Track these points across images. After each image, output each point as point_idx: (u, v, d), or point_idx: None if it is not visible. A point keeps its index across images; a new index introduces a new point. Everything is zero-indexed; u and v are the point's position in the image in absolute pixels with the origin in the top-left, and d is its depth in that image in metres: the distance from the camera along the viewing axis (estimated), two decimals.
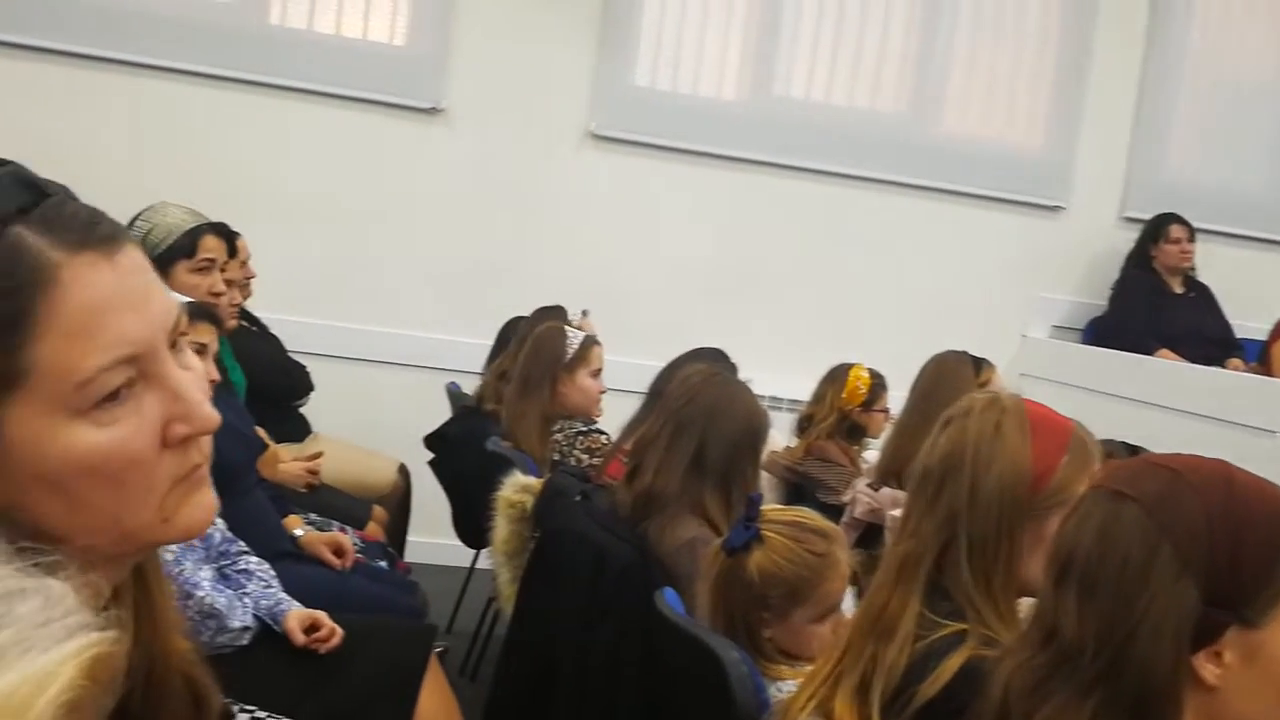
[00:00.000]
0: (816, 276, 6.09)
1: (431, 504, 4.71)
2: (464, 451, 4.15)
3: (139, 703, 0.99)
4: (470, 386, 4.80)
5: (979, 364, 3.88)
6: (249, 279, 4.26)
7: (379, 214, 5.60)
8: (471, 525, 4.20)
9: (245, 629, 2.62)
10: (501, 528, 3.39)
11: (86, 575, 0.89)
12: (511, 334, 4.60)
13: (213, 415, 0.94)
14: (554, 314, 4.41)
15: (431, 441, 4.46)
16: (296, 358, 4.80)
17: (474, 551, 4.57)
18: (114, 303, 0.87)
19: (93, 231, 0.88)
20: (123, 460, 0.89)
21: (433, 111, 5.61)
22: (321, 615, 2.67)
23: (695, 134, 5.86)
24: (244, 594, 2.72)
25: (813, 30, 6.04)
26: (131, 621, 0.99)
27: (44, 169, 0.94)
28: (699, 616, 2.37)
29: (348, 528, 3.76)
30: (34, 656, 0.53)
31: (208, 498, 0.97)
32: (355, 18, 5.55)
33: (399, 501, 4.66)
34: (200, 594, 2.55)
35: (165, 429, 0.91)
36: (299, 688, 2.53)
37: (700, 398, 2.78)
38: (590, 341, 3.95)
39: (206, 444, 0.96)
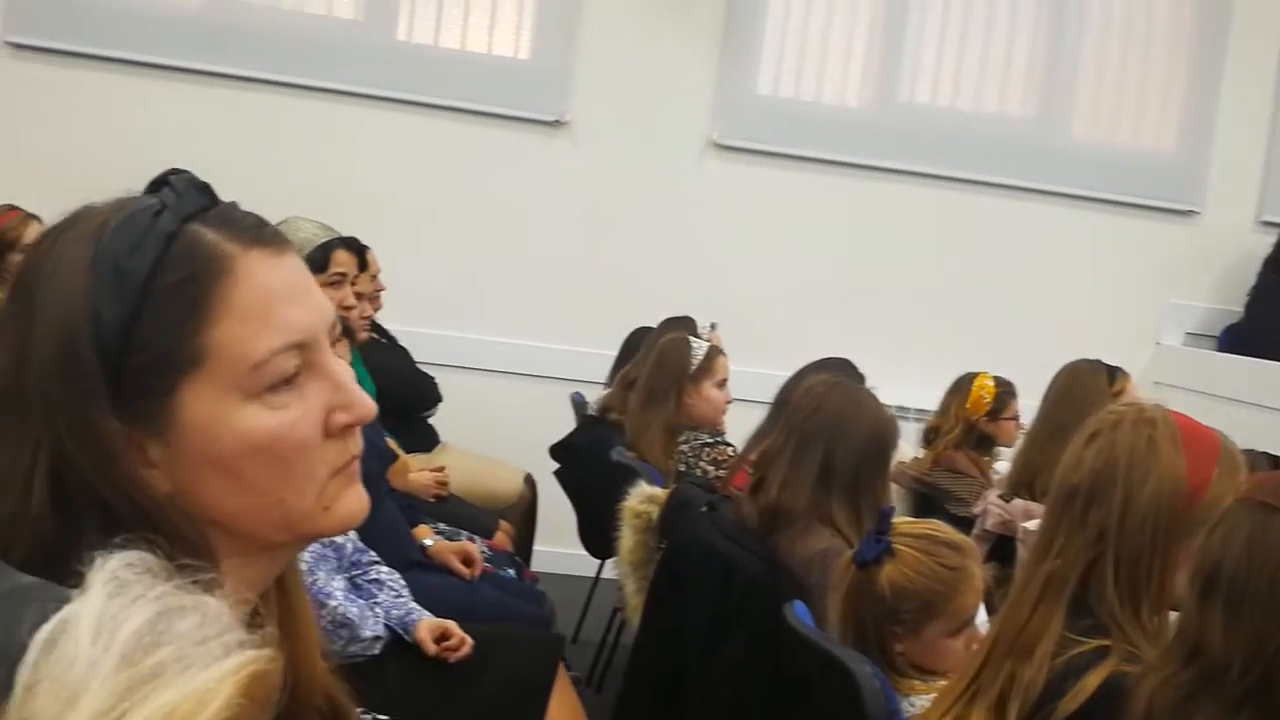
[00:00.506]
0: (943, 284, 6.00)
1: (557, 514, 4.74)
2: (589, 462, 4.17)
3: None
4: (594, 397, 4.82)
5: (1113, 373, 3.78)
6: (379, 292, 4.33)
7: (505, 226, 5.66)
8: (597, 535, 4.22)
9: (377, 638, 2.65)
10: (627, 538, 3.39)
11: (238, 593, 0.92)
12: (638, 344, 4.60)
13: (371, 405, 0.98)
14: (682, 324, 4.40)
15: (557, 452, 4.48)
16: (425, 369, 4.87)
17: (599, 561, 4.58)
18: (283, 293, 0.93)
19: (261, 232, 0.95)
20: (291, 443, 0.93)
21: (556, 124, 5.66)
22: (452, 625, 2.69)
23: (818, 142, 5.82)
24: (375, 604, 2.75)
25: (937, 34, 5.96)
26: (277, 638, 1.01)
27: None
28: (829, 629, 2.34)
29: (476, 537, 3.80)
30: (194, 673, 0.53)
31: (362, 492, 1.00)
32: (480, 32, 5.62)
33: (525, 511, 4.70)
34: (333, 604, 2.59)
35: (328, 417, 0.96)
36: (430, 697, 2.56)
37: (825, 408, 2.75)
38: (715, 352, 3.93)
39: (360, 438, 1.00)
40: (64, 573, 0.74)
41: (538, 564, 4.54)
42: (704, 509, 3.00)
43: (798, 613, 2.43)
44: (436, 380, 4.84)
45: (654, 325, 4.58)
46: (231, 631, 0.57)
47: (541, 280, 5.70)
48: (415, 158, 5.58)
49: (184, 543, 0.86)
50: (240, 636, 0.57)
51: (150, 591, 0.54)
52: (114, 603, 0.53)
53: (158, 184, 0.94)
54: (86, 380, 0.86)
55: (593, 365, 5.13)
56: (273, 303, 0.92)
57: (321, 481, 0.95)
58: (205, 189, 0.95)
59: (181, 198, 0.92)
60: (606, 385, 4.78)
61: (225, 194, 1.29)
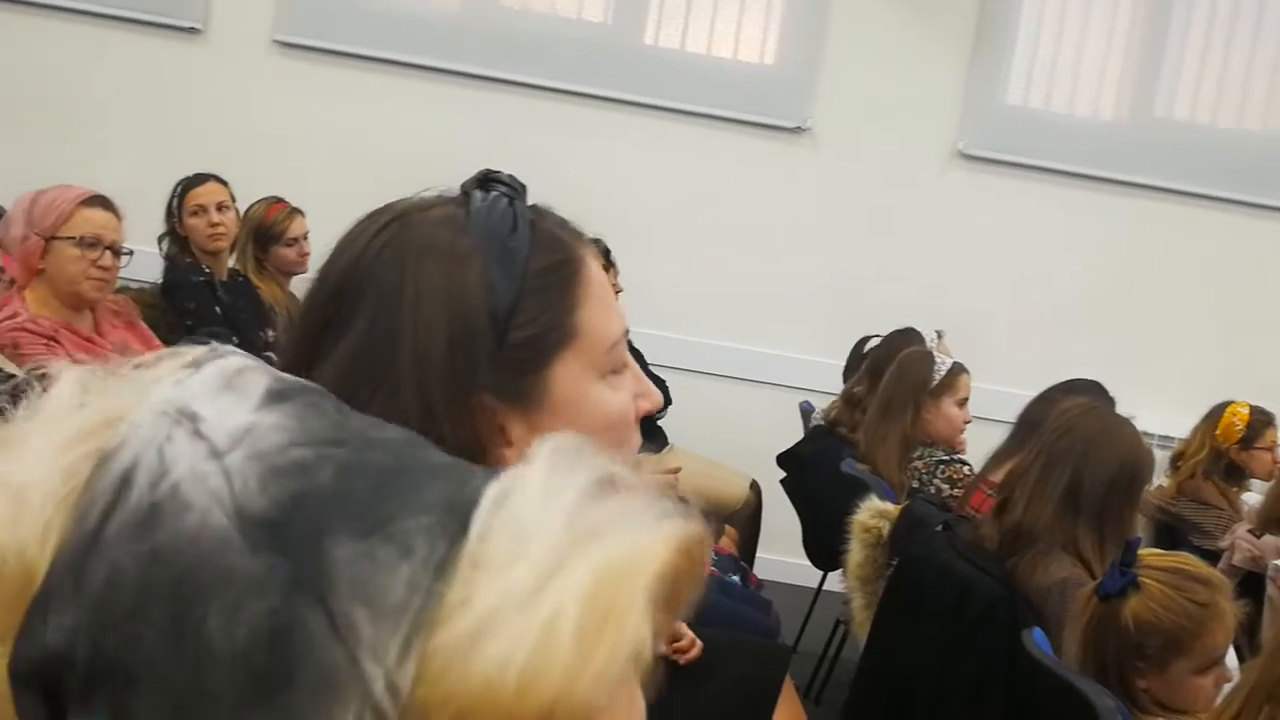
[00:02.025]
0: (1200, 308, 5.72)
1: (781, 522, 4.72)
2: (817, 472, 4.14)
3: None
4: (823, 406, 4.78)
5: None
6: (616, 293, 4.39)
7: (741, 231, 5.66)
8: (822, 546, 4.19)
9: None
10: (856, 552, 3.36)
11: None
12: (862, 352, 4.56)
13: (660, 396, 1.04)
14: (909, 336, 4.31)
15: (784, 460, 4.46)
16: (657, 371, 4.92)
17: (822, 572, 4.54)
18: (607, 287, 1.01)
19: (581, 233, 1.02)
20: (626, 422, 0.99)
21: (798, 131, 5.64)
22: (681, 625, 2.71)
23: (1070, 154, 5.63)
24: None
25: (1200, 48, 5.69)
26: None
27: (413, 188, 1.02)
28: (1067, 659, 2.27)
29: None
30: (633, 533, 0.54)
31: None
32: (726, 38, 5.65)
33: (750, 518, 4.70)
34: None
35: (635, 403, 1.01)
36: (656, 696, 2.58)
37: (1077, 431, 2.66)
38: (959, 369, 3.84)
39: None
40: None
41: (760, 571, 4.53)
42: (939, 528, 2.95)
43: (1036, 640, 2.37)
44: (668, 383, 4.89)
45: (883, 335, 4.52)
46: (662, 503, 0.58)
47: (776, 286, 5.68)
48: (656, 160, 5.64)
49: None
50: (672, 507, 0.58)
51: (587, 464, 0.57)
52: (557, 472, 0.55)
53: (482, 181, 0.98)
54: (476, 353, 0.90)
55: (823, 374, 5.10)
56: (607, 293, 0.99)
57: None
58: (525, 189, 1.00)
59: (518, 192, 0.98)
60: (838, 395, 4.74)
61: None
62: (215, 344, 0.61)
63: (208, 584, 0.49)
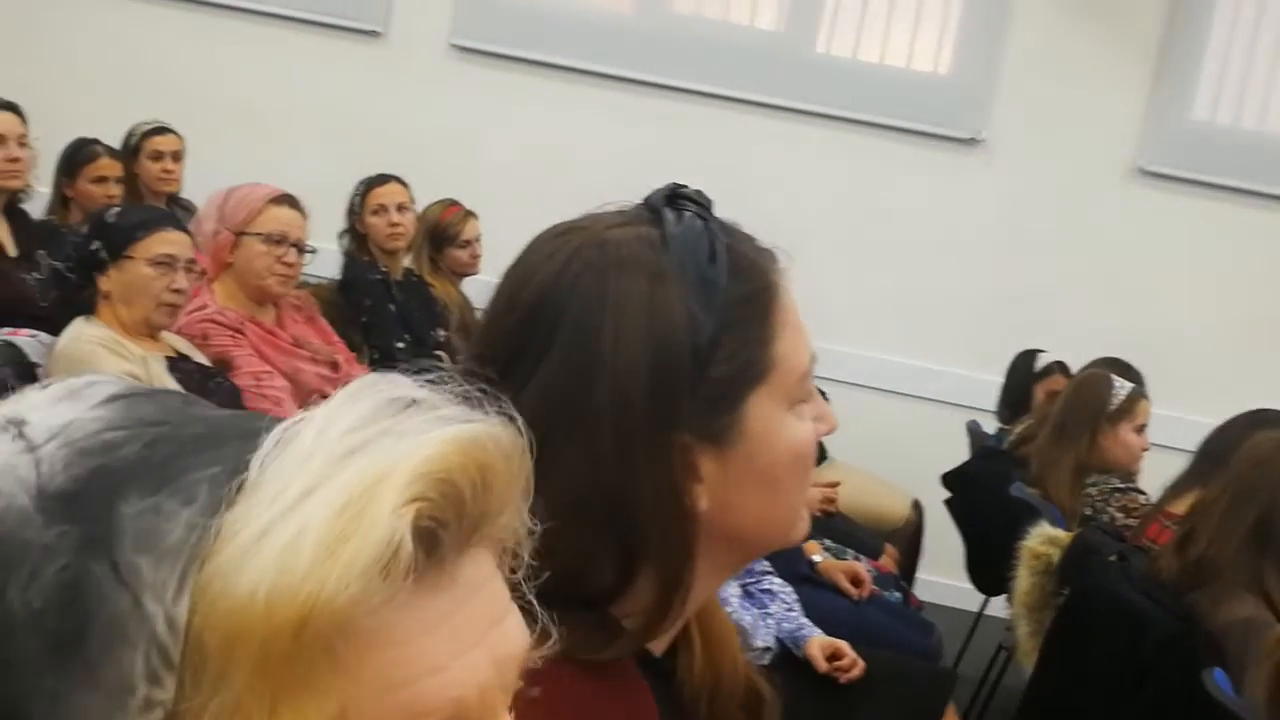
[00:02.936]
0: None
1: (943, 542, 4.63)
2: (983, 493, 4.04)
3: (705, 714, 1.02)
4: (992, 426, 4.68)
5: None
6: None
7: (909, 243, 5.58)
8: (986, 570, 4.10)
9: (766, 649, 2.67)
10: (1024, 579, 3.28)
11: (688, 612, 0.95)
12: (1022, 368, 4.46)
13: (835, 418, 1.02)
14: (1109, 367, 4.12)
15: (950, 480, 4.38)
16: (819, 384, 4.86)
17: (985, 597, 4.44)
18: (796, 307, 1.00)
19: (770, 251, 0.99)
20: (810, 452, 0.97)
21: (971, 142, 5.53)
22: (844, 644, 2.67)
23: (1261, 173, 5.40)
24: (766, 614, 2.77)
25: None
26: (699, 638, 1.03)
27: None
28: (1251, 702, 2.18)
29: (862, 557, 3.76)
30: (404, 440, 0.52)
31: None
32: (900, 47, 5.57)
33: (911, 536, 4.62)
34: (728, 610, 2.63)
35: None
36: (815, 715, 2.55)
37: (1270, 465, 2.55)
38: (1138, 394, 3.71)
39: None
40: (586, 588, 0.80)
41: (919, 592, 4.45)
42: (1113, 558, 2.86)
43: (1218, 680, 2.28)
44: (830, 395, 4.83)
45: (1042, 350, 4.37)
46: (458, 410, 0.56)
47: (946, 301, 5.57)
48: (824, 169, 5.58)
49: (680, 564, 0.89)
50: (469, 413, 0.56)
51: (377, 389, 0.55)
52: (339, 401, 0.54)
53: (670, 198, 0.95)
54: (677, 391, 0.87)
55: (990, 393, 4.98)
56: (799, 319, 0.97)
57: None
58: (712, 204, 0.97)
59: (708, 210, 0.95)
60: (995, 413, 4.64)
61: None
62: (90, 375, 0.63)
63: (7, 560, 0.51)
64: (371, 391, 0.55)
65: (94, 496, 0.52)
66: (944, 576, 4.91)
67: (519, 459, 0.57)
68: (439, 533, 0.52)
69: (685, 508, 0.89)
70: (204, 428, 0.55)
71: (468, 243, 4.59)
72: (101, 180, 4.32)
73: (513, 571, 0.61)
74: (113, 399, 0.57)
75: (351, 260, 4.23)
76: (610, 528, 0.87)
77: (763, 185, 5.47)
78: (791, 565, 3.21)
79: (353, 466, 0.51)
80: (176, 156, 4.72)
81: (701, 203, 0.95)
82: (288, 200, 3.40)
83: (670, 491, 0.88)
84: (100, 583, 0.50)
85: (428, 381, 0.57)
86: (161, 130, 4.73)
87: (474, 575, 0.56)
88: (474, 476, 0.53)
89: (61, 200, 4.38)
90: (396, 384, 0.56)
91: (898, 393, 5.54)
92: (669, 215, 0.92)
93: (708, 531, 0.91)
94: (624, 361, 0.87)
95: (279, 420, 0.55)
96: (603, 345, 0.87)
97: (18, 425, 0.55)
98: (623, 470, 0.86)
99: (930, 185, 5.56)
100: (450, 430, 0.53)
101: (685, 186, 0.96)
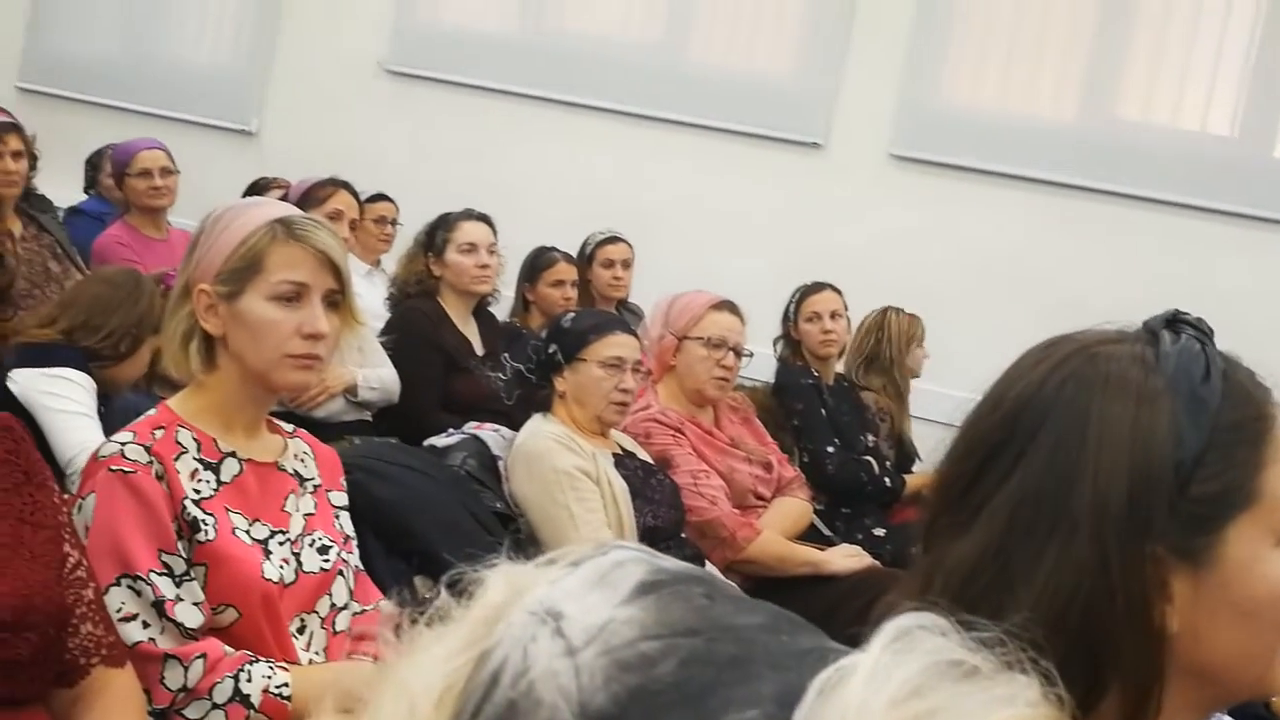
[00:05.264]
0: None
1: None
2: None
3: None
4: None
5: None
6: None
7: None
8: None
9: None
10: None
11: None
12: None
13: None
14: None
15: None
16: None
17: None
18: None
19: (1268, 387, 0.97)
20: None
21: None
22: None
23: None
24: None
25: None
26: None
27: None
28: None
29: None
30: (961, 714, 0.50)
31: None
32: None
33: None
34: None
35: None
36: None
37: None
38: None
39: None
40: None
41: None
42: None
43: None
44: None
45: None
46: (1012, 686, 0.53)
47: None
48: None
49: (1148, 685, 0.87)
50: (1025, 693, 0.53)
51: (927, 644, 0.53)
52: (889, 652, 0.52)
53: (1170, 321, 0.95)
54: (1156, 502, 0.88)
55: None
56: None
57: None
58: (1213, 332, 0.97)
59: (1208, 337, 0.95)
60: None
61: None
62: (605, 542, 0.62)
63: None
64: (925, 646, 0.54)
65: None
66: None
67: None
68: None
69: (1156, 626, 0.88)
70: (735, 646, 0.56)
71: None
72: (559, 284, 4.64)
73: None
74: (643, 589, 0.58)
75: (785, 365, 4.32)
76: (1082, 637, 0.86)
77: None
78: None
79: None
80: (626, 264, 5.02)
81: (1202, 329, 0.95)
82: (728, 306, 3.53)
83: (1142, 604, 0.87)
84: None
85: (977, 638, 0.56)
86: (613, 239, 5.05)
87: None
88: None
89: (523, 303, 4.73)
90: (948, 636, 0.55)
91: None
92: (1166, 336, 0.94)
93: (1177, 660, 0.89)
94: (1105, 467, 0.88)
95: (804, 633, 0.57)
96: (1086, 448, 0.89)
97: (556, 619, 0.57)
98: (1098, 577, 0.87)
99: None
100: (1005, 714, 0.52)
101: (1186, 313, 0.96)
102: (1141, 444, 0.88)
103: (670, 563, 0.61)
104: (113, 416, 2.83)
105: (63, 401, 2.83)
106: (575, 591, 0.58)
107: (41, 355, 2.90)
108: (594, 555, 0.61)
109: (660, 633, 0.55)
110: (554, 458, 2.87)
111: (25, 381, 2.84)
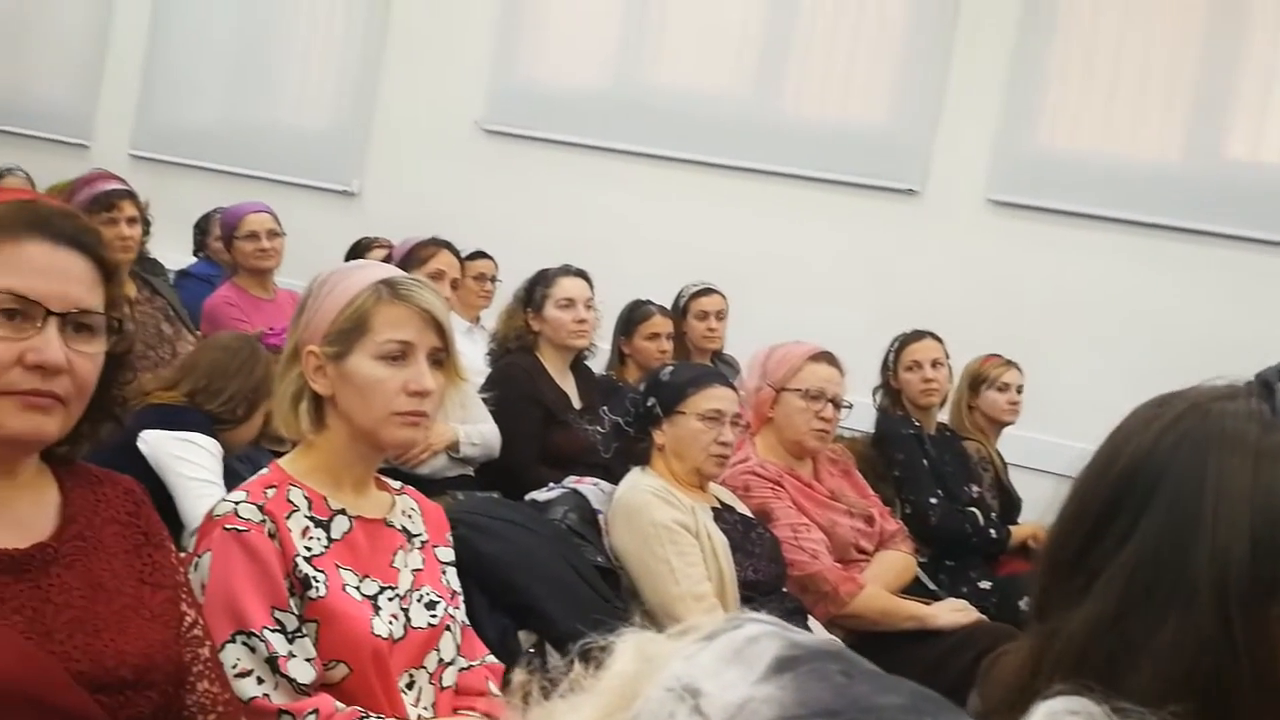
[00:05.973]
0: None
1: None
2: None
3: None
4: None
5: None
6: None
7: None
8: None
9: None
10: None
11: None
12: None
13: None
14: None
15: None
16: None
17: None
18: None
19: None
20: None
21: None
22: None
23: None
24: None
25: None
26: None
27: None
28: None
29: None
30: None
31: None
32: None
33: None
34: None
35: None
36: None
37: None
38: None
39: None
40: None
41: None
42: None
43: None
44: None
45: None
46: None
47: None
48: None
49: None
50: None
51: None
52: None
53: (1264, 383, 0.94)
54: (1272, 571, 0.86)
55: None
56: None
57: None
58: None
59: None
60: None
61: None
62: (740, 615, 0.61)
63: None
64: None
65: None
66: None
67: None
68: None
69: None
70: None
71: (1006, 386, 4.53)
72: (654, 337, 4.67)
73: None
74: (780, 666, 0.57)
75: (885, 415, 4.28)
76: (1209, 703, 0.85)
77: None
78: None
79: None
80: (720, 315, 5.03)
81: None
82: (826, 357, 3.51)
83: (1267, 666, 0.85)
84: None
85: None
86: (707, 291, 5.07)
87: None
88: None
89: (619, 356, 4.76)
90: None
91: None
92: None
93: None
94: (1225, 527, 0.86)
95: (946, 713, 0.56)
96: (1203, 511, 0.87)
97: (694, 696, 0.56)
98: (1222, 642, 0.85)
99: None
100: None
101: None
102: (1262, 501, 0.85)
103: (804, 637, 0.60)
104: (227, 476, 2.89)
105: (194, 469, 2.88)
106: (711, 667, 0.57)
107: (170, 417, 2.97)
108: (727, 628, 0.60)
109: (800, 713, 0.55)
110: (652, 511, 2.88)
111: (156, 443, 2.90)
